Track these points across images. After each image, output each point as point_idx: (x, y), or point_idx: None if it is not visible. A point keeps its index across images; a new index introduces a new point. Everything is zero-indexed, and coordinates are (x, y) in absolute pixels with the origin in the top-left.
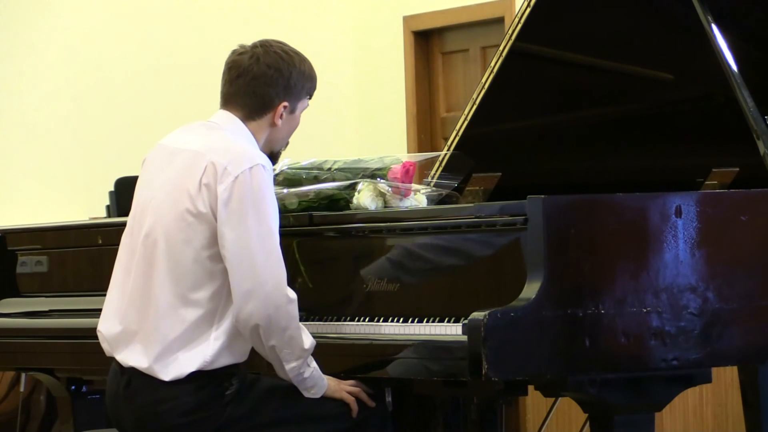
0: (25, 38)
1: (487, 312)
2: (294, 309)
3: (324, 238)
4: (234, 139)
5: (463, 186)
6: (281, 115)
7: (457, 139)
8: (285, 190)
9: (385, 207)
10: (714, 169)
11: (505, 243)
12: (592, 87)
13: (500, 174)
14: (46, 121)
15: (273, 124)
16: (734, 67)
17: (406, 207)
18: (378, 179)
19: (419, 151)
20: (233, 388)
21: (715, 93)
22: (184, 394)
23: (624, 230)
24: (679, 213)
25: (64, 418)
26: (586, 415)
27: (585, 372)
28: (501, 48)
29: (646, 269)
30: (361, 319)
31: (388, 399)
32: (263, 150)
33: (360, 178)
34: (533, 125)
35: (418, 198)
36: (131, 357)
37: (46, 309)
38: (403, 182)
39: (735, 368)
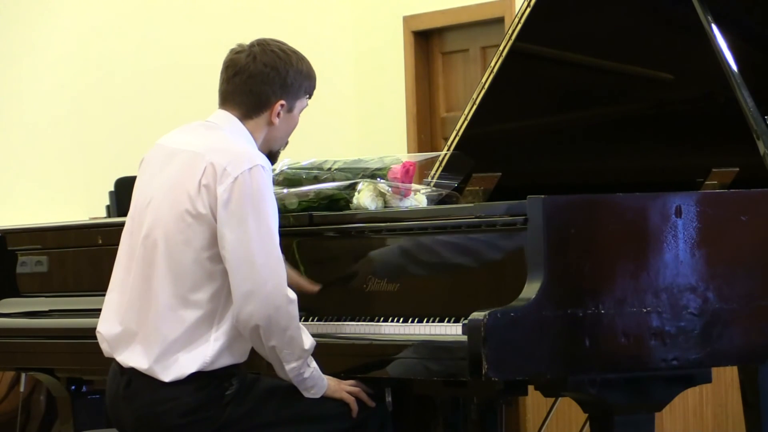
0: (25, 38)
1: (487, 312)
2: (294, 309)
3: (324, 238)
4: (233, 140)
5: (463, 186)
6: (278, 113)
7: (457, 139)
8: (285, 190)
9: (385, 207)
10: (714, 169)
11: (505, 243)
12: (592, 87)
13: (500, 174)
14: (46, 121)
15: (270, 123)
16: (734, 67)
17: (406, 207)
18: (378, 179)
19: (419, 151)
20: (233, 388)
21: (715, 93)
22: (184, 395)
23: (624, 230)
24: (679, 213)
25: (64, 418)
26: (586, 415)
27: (585, 372)
28: (501, 48)
29: (646, 269)
30: (361, 319)
31: (388, 399)
32: (262, 149)
33: (360, 178)
34: (533, 125)
35: (418, 198)
36: (131, 358)
37: (46, 309)
38: (403, 182)
39: (735, 368)
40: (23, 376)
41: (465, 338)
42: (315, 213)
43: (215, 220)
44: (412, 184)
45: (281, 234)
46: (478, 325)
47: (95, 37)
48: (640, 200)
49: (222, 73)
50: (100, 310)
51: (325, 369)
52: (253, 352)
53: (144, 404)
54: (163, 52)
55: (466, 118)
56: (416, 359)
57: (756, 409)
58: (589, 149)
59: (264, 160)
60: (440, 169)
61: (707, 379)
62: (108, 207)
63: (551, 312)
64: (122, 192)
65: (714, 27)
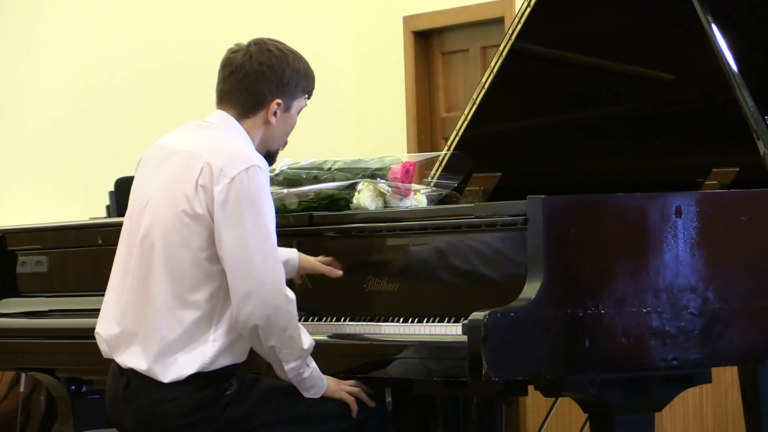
0: (25, 38)
1: (487, 312)
2: (293, 309)
3: (324, 238)
4: (230, 140)
5: (463, 186)
6: (275, 112)
7: (457, 139)
8: (285, 190)
9: (385, 207)
10: (714, 169)
11: (505, 243)
12: (592, 87)
13: (500, 174)
14: (46, 121)
15: (267, 122)
16: (734, 67)
17: (406, 207)
18: (378, 179)
19: (419, 151)
20: (233, 388)
21: (715, 93)
22: (184, 395)
23: (624, 230)
24: (679, 213)
25: (64, 418)
26: (586, 415)
27: (585, 372)
28: (501, 48)
29: (646, 269)
30: (361, 319)
31: (388, 399)
32: (260, 149)
33: (360, 178)
34: (533, 125)
35: (418, 198)
36: (130, 359)
37: (46, 309)
38: (403, 182)
39: (735, 368)
40: (23, 376)
41: (465, 338)
42: (315, 213)
43: (212, 220)
44: (412, 184)
45: (281, 234)
46: (478, 325)
47: (95, 37)
48: (640, 200)
49: (219, 72)
50: (99, 310)
51: (325, 369)
52: (252, 352)
53: (143, 405)
54: (163, 52)
55: (466, 118)
56: (416, 359)
57: (756, 409)
58: (589, 149)
59: (260, 160)
60: (440, 169)
61: (707, 379)
62: (108, 207)
63: (551, 312)
64: (122, 192)
65: (714, 27)
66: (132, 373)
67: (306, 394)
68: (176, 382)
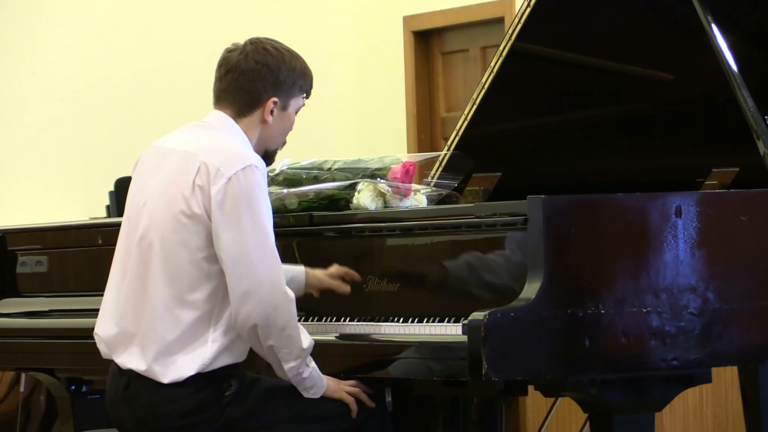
0: (25, 38)
1: (487, 312)
2: (292, 308)
3: (324, 238)
4: (227, 139)
5: (463, 186)
6: (271, 111)
7: (457, 139)
8: (285, 190)
9: (385, 207)
10: (714, 169)
11: (505, 243)
12: (592, 87)
13: (500, 174)
14: (46, 120)
15: (264, 121)
16: (734, 67)
17: (406, 207)
18: (378, 179)
19: (419, 151)
20: (232, 389)
21: (715, 93)
22: (183, 396)
23: (624, 230)
24: (679, 213)
25: (64, 418)
26: (586, 415)
27: (585, 372)
28: (501, 48)
29: (646, 269)
30: (361, 319)
31: (388, 399)
32: (257, 149)
33: (360, 178)
34: (533, 125)
35: (418, 198)
36: (129, 359)
37: (46, 309)
38: (403, 182)
39: (735, 368)
40: (23, 376)
41: (465, 338)
42: (315, 213)
43: (210, 220)
44: (412, 184)
45: (281, 234)
46: (478, 325)
47: (95, 37)
48: (640, 200)
49: (216, 72)
50: (99, 310)
51: (325, 369)
52: (252, 352)
53: (143, 405)
54: (163, 52)
55: (466, 118)
56: (416, 359)
57: (756, 409)
58: (589, 149)
59: (257, 159)
60: (440, 169)
61: (707, 379)
62: (108, 207)
63: (551, 312)
64: (122, 192)
65: (714, 27)
66: (131, 373)
67: (306, 394)
68: (176, 382)
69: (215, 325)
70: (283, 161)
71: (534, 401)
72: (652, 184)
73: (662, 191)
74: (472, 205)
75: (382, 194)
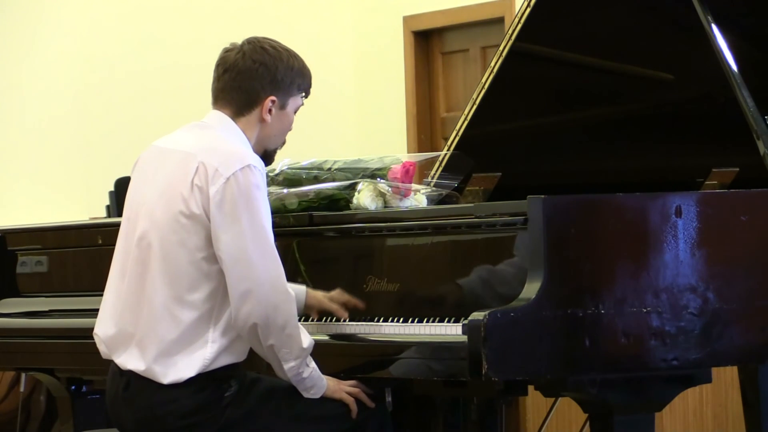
0: (26, 38)
1: (487, 312)
2: (292, 308)
3: (324, 238)
4: (225, 139)
5: (463, 186)
6: (270, 110)
7: (457, 139)
8: (285, 190)
9: (385, 207)
10: (714, 169)
11: (505, 243)
12: (592, 87)
13: (500, 174)
14: (46, 121)
15: (262, 120)
16: (734, 67)
17: (406, 207)
18: (378, 179)
19: (419, 151)
20: (232, 389)
21: (715, 93)
22: (183, 397)
23: (624, 230)
24: (679, 213)
25: (64, 418)
26: (586, 415)
27: (585, 372)
28: (501, 48)
29: (646, 269)
30: (361, 319)
31: (388, 399)
32: (257, 149)
33: (360, 178)
34: (533, 125)
35: (418, 198)
36: (129, 360)
37: (46, 309)
38: (403, 182)
39: (735, 368)
40: (23, 376)
41: (465, 338)
42: (315, 213)
43: (209, 220)
44: (412, 184)
45: (281, 234)
46: (478, 325)
47: (95, 36)
48: (640, 200)
49: (214, 71)
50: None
51: (325, 369)
52: (252, 352)
53: (143, 406)
54: (163, 52)
55: (466, 118)
56: (416, 359)
57: (756, 409)
58: (589, 149)
59: (256, 159)
60: (440, 169)
61: (707, 379)
62: (108, 207)
63: (551, 312)
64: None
65: (714, 27)
66: (131, 374)
67: (306, 395)
68: (176, 383)
69: (215, 326)
70: (283, 161)
71: (534, 401)
72: (652, 184)
73: (662, 191)
74: (472, 205)
75: (382, 194)
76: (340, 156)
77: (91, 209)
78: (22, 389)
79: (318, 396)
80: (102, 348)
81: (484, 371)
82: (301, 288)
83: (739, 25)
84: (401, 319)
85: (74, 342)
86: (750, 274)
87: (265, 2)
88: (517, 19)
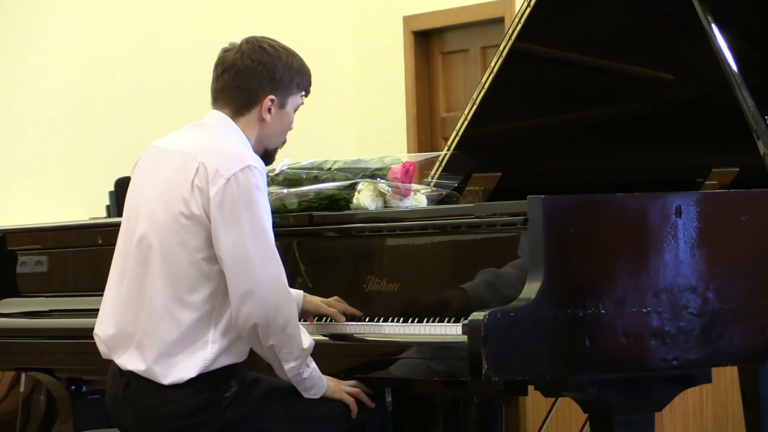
0: (25, 38)
1: (487, 312)
2: (293, 308)
3: (324, 238)
4: (225, 140)
5: (463, 186)
6: (269, 109)
7: (457, 139)
8: (285, 190)
9: (385, 207)
10: (714, 169)
11: (505, 243)
12: (592, 87)
13: (500, 174)
14: (46, 120)
15: (262, 119)
16: (734, 67)
17: (406, 207)
18: (378, 179)
19: (419, 151)
20: (232, 390)
21: (715, 93)
22: (183, 398)
23: (624, 230)
24: (679, 213)
25: (64, 418)
26: (586, 415)
27: (585, 372)
28: (501, 48)
29: (646, 269)
30: (361, 319)
31: (388, 399)
32: (257, 148)
33: (360, 178)
34: (533, 125)
35: (418, 198)
36: (129, 361)
37: (46, 309)
38: (403, 182)
39: (735, 368)
40: (23, 376)
41: (465, 338)
42: (315, 213)
43: (209, 221)
44: (412, 184)
45: (281, 234)
46: (478, 325)
47: (95, 37)
48: (640, 200)
49: (213, 72)
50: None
51: (325, 369)
52: (252, 352)
53: (143, 407)
54: (163, 52)
55: (466, 118)
56: (416, 359)
57: (756, 409)
58: (589, 149)
59: (256, 160)
60: (440, 169)
61: (707, 379)
62: (108, 207)
63: (551, 312)
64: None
65: (714, 27)
66: (132, 374)
67: (306, 395)
68: (176, 384)
69: (215, 326)
70: (283, 161)
71: (534, 401)
72: (652, 184)
73: (662, 191)
74: (472, 205)
75: (382, 194)
76: (340, 156)
77: (91, 209)
78: (22, 389)
79: (318, 396)
80: (102, 348)
81: (484, 371)
82: (299, 292)
83: (739, 25)
84: (401, 319)
85: (74, 342)
86: (750, 274)
87: (265, 2)
88: (517, 19)
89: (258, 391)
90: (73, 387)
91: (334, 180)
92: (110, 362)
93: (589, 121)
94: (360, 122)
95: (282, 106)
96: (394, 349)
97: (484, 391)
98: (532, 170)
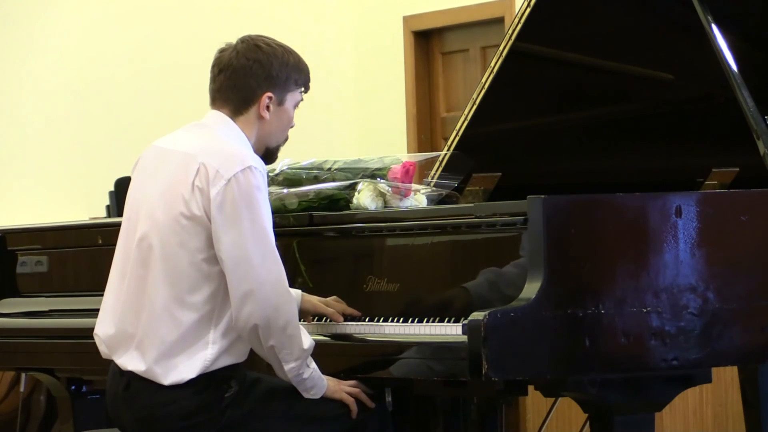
0: (25, 38)
1: (487, 312)
2: (293, 308)
3: (324, 238)
4: (225, 140)
5: (463, 186)
6: (267, 107)
7: (457, 139)
8: (285, 190)
9: (385, 207)
10: (714, 169)
11: (505, 243)
12: (592, 87)
13: (500, 174)
14: (46, 121)
15: (261, 117)
16: (734, 67)
17: (406, 207)
18: (378, 179)
19: (419, 151)
20: (232, 390)
21: (715, 93)
22: (183, 398)
23: (624, 230)
24: (679, 213)
25: (64, 418)
26: (586, 415)
27: (585, 372)
28: (501, 48)
29: (646, 269)
30: (361, 319)
31: (388, 399)
32: (258, 147)
33: (360, 178)
34: (533, 125)
35: (418, 198)
36: (129, 361)
37: (46, 309)
38: (403, 182)
39: (735, 368)
40: (23, 376)
41: (465, 338)
42: (315, 213)
43: (210, 221)
44: (412, 184)
45: (281, 234)
46: (478, 325)
47: (95, 37)
48: (640, 200)
49: (210, 72)
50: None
51: (325, 369)
52: (253, 352)
53: (143, 407)
54: (163, 52)
55: (466, 118)
56: (416, 359)
57: (756, 409)
58: (589, 149)
59: (256, 160)
60: (440, 169)
61: (707, 379)
62: (108, 207)
63: (551, 312)
64: (122, 192)
65: (714, 27)
66: (132, 374)
67: (306, 395)
68: (176, 384)
69: (215, 327)
70: (283, 161)
71: (534, 401)
72: (652, 184)
73: (662, 191)
74: (472, 205)
75: (382, 194)
76: (340, 156)
77: (91, 209)
78: (22, 389)
79: (318, 396)
80: (102, 348)
81: (484, 371)
82: (297, 292)
83: (739, 26)
84: (401, 319)
85: (74, 342)
86: (750, 274)
87: (265, 2)
88: (517, 19)
89: (258, 391)
90: (73, 387)
91: (334, 180)
92: (110, 362)
93: (589, 121)
94: (360, 122)
95: (280, 103)
96: (394, 349)
97: (484, 391)
98: (532, 170)
